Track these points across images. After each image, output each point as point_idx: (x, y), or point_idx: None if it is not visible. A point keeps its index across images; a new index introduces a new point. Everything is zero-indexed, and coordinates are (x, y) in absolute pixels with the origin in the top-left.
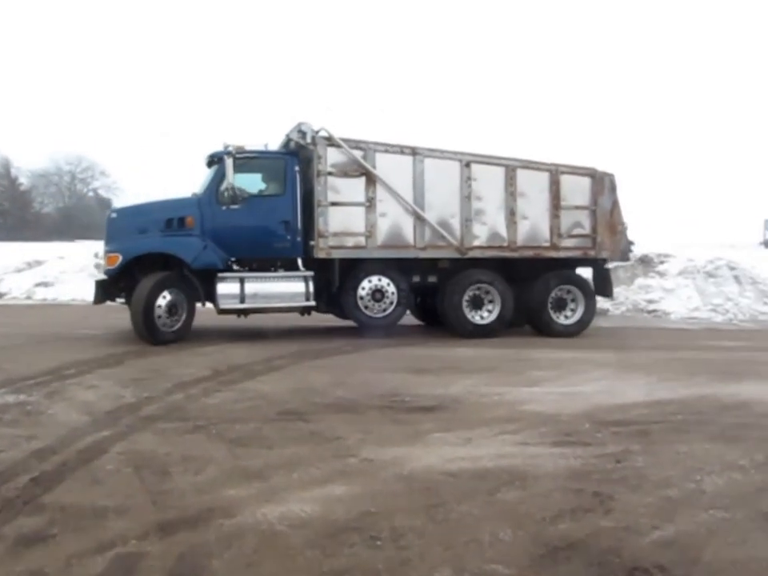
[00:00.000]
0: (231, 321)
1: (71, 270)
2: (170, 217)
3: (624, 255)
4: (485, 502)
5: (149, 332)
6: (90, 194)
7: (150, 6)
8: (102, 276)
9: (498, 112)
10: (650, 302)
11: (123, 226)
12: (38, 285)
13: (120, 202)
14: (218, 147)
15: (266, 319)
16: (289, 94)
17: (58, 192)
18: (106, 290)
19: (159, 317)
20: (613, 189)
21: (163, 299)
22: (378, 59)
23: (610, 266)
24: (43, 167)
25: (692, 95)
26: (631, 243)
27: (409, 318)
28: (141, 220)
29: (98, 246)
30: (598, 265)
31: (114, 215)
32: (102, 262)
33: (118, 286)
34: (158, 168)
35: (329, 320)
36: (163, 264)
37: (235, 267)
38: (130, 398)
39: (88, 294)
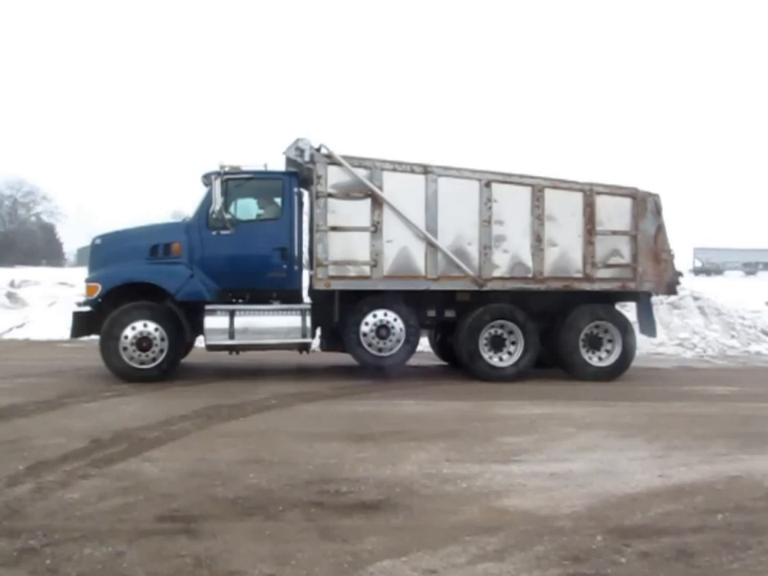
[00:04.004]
0: None
1: None
2: (156, 243)
3: (670, 288)
4: None
5: (111, 367)
6: (33, 218)
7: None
8: (83, 307)
9: (503, 121)
10: None
11: (107, 254)
12: None
13: (63, 227)
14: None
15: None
16: (290, 109)
17: None
18: (87, 323)
19: (125, 349)
20: (657, 211)
21: (131, 331)
22: (382, 68)
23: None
24: None
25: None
26: (679, 274)
27: (421, 357)
28: (125, 246)
29: (15, 273)
30: (641, 299)
31: (97, 241)
32: (15, 291)
33: (102, 319)
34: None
35: (260, 359)
36: (152, 295)
37: (234, 300)
38: None
39: None
